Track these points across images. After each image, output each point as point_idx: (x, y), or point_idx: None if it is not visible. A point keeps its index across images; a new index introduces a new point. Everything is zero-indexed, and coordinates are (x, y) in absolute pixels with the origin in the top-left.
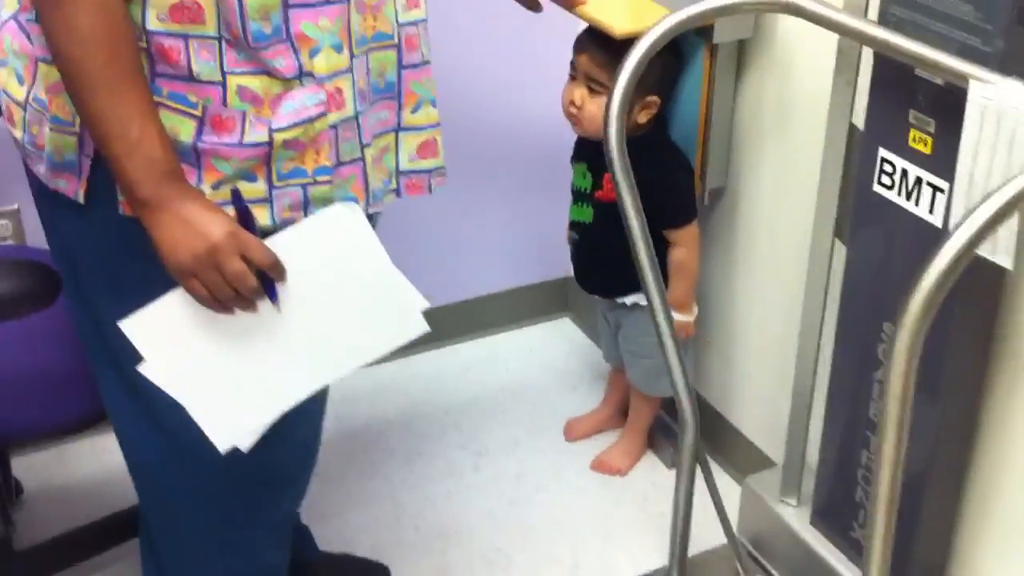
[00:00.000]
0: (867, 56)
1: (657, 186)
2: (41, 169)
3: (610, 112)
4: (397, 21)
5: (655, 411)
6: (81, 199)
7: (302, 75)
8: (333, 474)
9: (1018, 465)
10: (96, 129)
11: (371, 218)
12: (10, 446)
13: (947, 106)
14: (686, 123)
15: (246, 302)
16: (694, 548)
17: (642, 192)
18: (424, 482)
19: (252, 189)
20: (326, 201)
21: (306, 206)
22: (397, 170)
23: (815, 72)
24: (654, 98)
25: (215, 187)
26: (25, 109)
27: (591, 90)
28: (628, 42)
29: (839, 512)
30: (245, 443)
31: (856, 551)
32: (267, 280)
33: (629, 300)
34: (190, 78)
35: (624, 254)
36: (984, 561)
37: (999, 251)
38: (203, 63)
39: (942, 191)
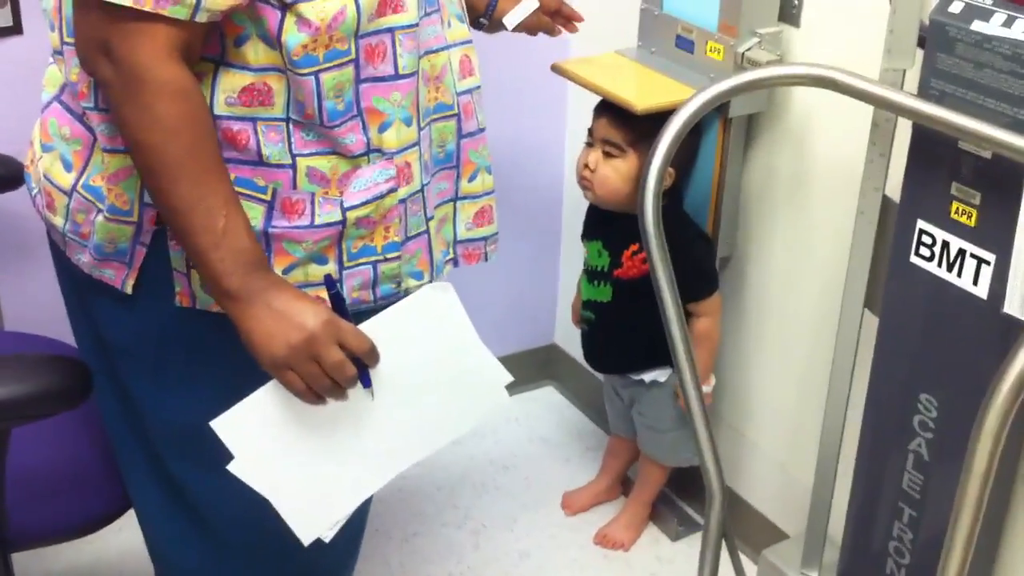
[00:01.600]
0: (900, 128)
1: (680, 259)
2: (84, 258)
3: (648, 183)
4: (455, 91)
5: (662, 483)
6: (129, 289)
7: (370, 151)
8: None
9: None
10: (178, 221)
11: None
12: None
13: (994, 178)
14: (698, 193)
15: (340, 391)
16: None
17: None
18: (425, 564)
19: (322, 271)
20: (394, 278)
21: (375, 285)
22: (455, 239)
23: (830, 144)
24: (670, 170)
25: (286, 271)
26: (70, 196)
27: (606, 154)
28: (649, 117)
29: None
30: (329, 534)
31: None
32: (360, 365)
33: (648, 377)
34: (259, 162)
35: (644, 331)
36: None
37: None
38: (272, 146)
39: (988, 263)
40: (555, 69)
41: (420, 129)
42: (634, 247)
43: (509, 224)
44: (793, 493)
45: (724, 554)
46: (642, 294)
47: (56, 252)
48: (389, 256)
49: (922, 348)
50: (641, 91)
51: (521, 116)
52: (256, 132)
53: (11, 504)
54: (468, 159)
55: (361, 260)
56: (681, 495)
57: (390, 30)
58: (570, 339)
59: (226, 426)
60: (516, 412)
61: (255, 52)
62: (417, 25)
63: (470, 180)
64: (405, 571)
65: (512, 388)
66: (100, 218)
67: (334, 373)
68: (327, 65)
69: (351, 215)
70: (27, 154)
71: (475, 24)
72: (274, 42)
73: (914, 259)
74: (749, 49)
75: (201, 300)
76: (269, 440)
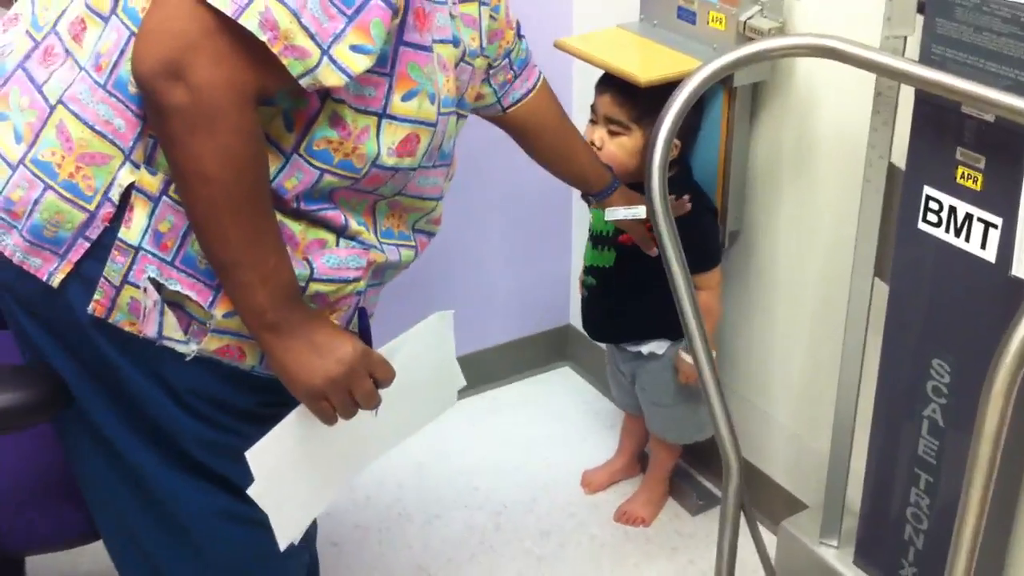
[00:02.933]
0: (903, 95)
1: (686, 231)
2: (9, 240)
3: (654, 157)
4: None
5: (676, 458)
6: (56, 283)
7: (345, 235)
8: (352, 546)
9: None
10: (230, 254)
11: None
12: (24, 553)
13: (998, 142)
14: (705, 167)
15: (356, 412)
16: None
17: None
18: (447, 546)
19: None
20: None
21: None
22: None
23: (835, 113)
24: (676, 142)
25: (226, 316)
26: (14, 169)
27: (611, 132)
28: (650, 93)
29: (885, 551)
30: (298, 537)
31: None
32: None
33: (645, 349)
34: None
35: (645, 299)
36: None
37: None
38: None
39: (995, 227)
40: (558, 46)
41: (380, 245)
42: None
43: (520, 207)
44: (810, 463)
45: (744, 527)
46: (645, 260)
47: None
48: None
49: (933, 314)
50: (644, 64)
51: None
52: None
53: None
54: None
55: None
56: (700, 469)
57: (398, 169)
58: None
59: (258, 455)
60: (534, 394)
61: (269, 122)
62: (414, 169)
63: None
64: (427, 554)
65: (529, 369)
66: (50, 195)
67: (364, 401)
68: (337, 171)
69: (312, 287)
70: None
71: (582, 196)
72: (295, 126)
73: (922, 225)
74: (751, 17)
75: (118, 315)
76: (287, 463)
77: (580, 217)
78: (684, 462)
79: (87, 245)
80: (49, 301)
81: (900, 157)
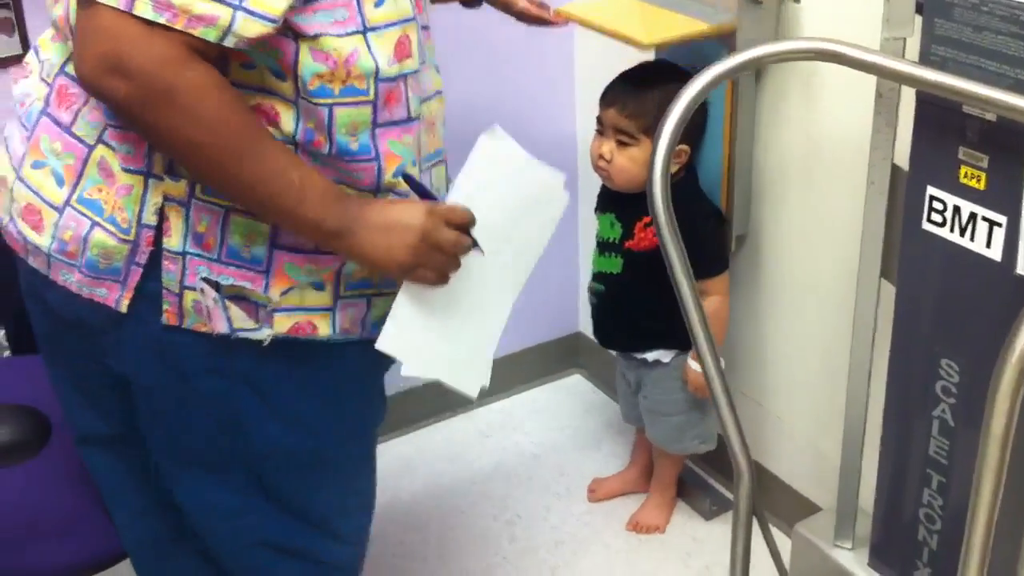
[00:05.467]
0: (904, 95)
1: (693, 236)
2: (73, 277)
3: (656, 166)
4: (441, 135)
5: (681, 465)
6: (124, 308)
7: (380, 191)
8: (367, 558)
9: None
10: (254, 196)
11: None
12: None
13: (1001, 141)
14: (710, 171)
15: (459, 262)
16: None
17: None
18: (462, 557)
19: (319, 298)
20: (383, 318)
21: (366, 319)
22: None
23: (838, 114)
24: (684, 147)
25: (283, 293)
26: (61, 212)
27: (620, 143)
28: (655, 92)
29: (900, 552)
30: (487, 381)
31: None
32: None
33: (651, 356)
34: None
35: (653, 306)
36: None
37: None
38: None
39: (1000, 225)
40: (560, 13)
41: (421, 172)
42: (647, 219)
43: None
44: (823, 466)
45: (757, 531)
46: (652, 267)
47: (32, 290)
48: (384, 291)
49: (940, 314)
50: (647, 27)
51: (535, 109)
52: None
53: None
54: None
55: (357, 292)
56: (712, 474)
57: (403, 76)
58: None
59: (388, 341)
60: (545, 402)
61: (261, 77)
62: (419, 71)
63: None
64: (443, 565)
65: (540, 378)
66: (97, 232)
67: (455, 250)
68: (343, 100)
69: None
70: None
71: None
72: (286, 75)
73: (926, 226)
74: None
75: (189, 319)
76: (421, 332)
77: (586, 224)
78: (697, 467)
79: (140, 270)
80: (122, 325)
81: (903, 158)
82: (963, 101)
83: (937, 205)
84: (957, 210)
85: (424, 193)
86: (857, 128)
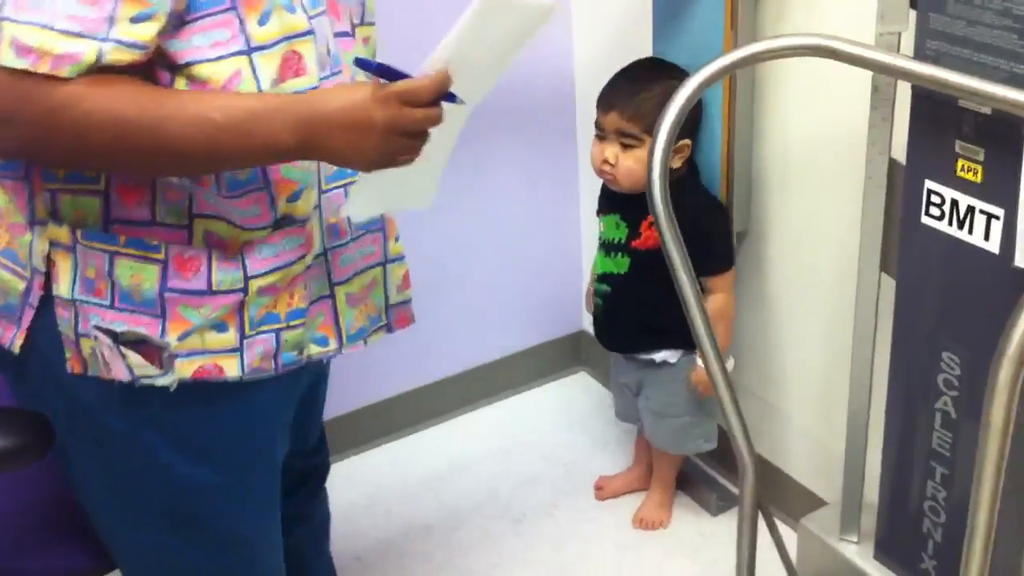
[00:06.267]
0: (901, 90)
1: (697, 232)
2: None
3: (654, 165)
4: None
5: (681, 462)
6: (16, 349)
7: (278, 222)
8: (374, 558)
9: None
10: (194, 158)
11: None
12: None
13: (996, 134)
14: (709, 168)
15: (428, 134)
16: None
17: (689, 237)
18: (467, 556)
19: (222, 339)
20: (297, 346)
21: (277, 354)
22: (387, 304)
23: (836, 109)
24: (686, 141)
25: (181, 338)
26: None
27: (624, 146)
28: (654, 90)
29: (905, 545)
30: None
31: None
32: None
33: (658, 357)
34: (151, 222)
35: (659, 306)
36: None
37: None
38: (169, 205)
39: (997, 218)
40: None
41: (321, 193)
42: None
43: (529, 213)
44: (828, 460)
45: (764, 525)
46: (659, 266)
47: None
48: (293, 324)
49: (940, 307)
50: None
51: (535, 107)
52: (153, 190)
53: None
54: (391, 219)
55: (263, 328)
56: (719, 469)
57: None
58: None
59: (354, 209)
60: (550, 400)
61: None
62: (317, 87)
63: (397, 240)
64: (449, 565)
65: (545, 376)
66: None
67: (425, 127)
68: None
69: (254, 284)
70: None
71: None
72: None
73: (925, 219)
74: None
75: (92, 367)
76: (378, 187)
77: (588, 219)
78: (703, 462)
79: (33, 312)
80: (26, 362)
81: (901, 152)
82: (958, 95)
83: (935, 199)
84: (955, 203)
85: (385, 73)
86: (855, 123)
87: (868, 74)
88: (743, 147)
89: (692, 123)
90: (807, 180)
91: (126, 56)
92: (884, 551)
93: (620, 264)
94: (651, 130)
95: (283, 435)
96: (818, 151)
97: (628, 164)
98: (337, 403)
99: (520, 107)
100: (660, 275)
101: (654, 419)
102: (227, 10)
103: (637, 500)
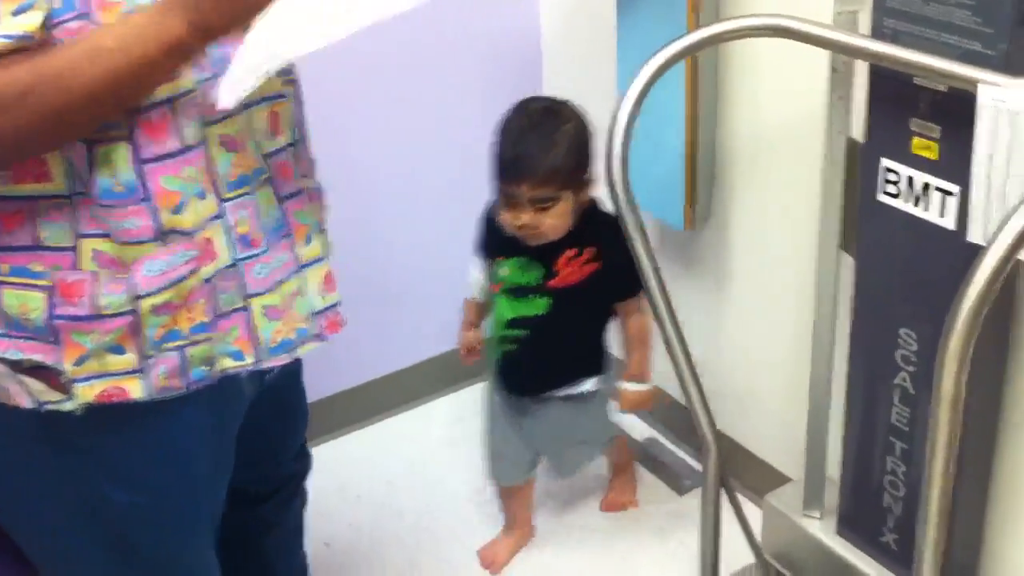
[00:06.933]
0: (858, 69)
1: (613, 257)
2: None
3: (613, 155)
4: (263, 152)
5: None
6: None
7: (163, 234)
8: (344, 544)
9: None
10: (102, 88)
11: (266, 374)
12: None
13: (951, 111)
14: (670, 152)
15: None
16: (720, 572)
17: (605, 265)
18: (440, 544)
19: (122, 362)
20: (206, 360)
21: (184, 371)
22: (314, 311)
23: (798, 88)
24: (591, 173)
25: (77, 363)
26: None
27: (540, 209)
28: (559, 144)
29: (867, 519)
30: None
31: (888, 556)
32: None
33: (587, 386)
34: (35, 247)
35: (584, 336)
36: (1013, 555)
37: None
38: (52, 226)
39: (952, 194)
40: None
41: (222, 201)
42: (570, 252)
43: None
44: (791, 438)
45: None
46: (581, 300)
47: None
48: (197, 339)
49: (898, 284)
50: None
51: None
52: (35, 211)
53: None
54: (297, 222)
55: (167, 346)
56: (687, 449)
57: (168, 100)
58: None
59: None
60: None
61: None
62: (194, 90)
63: (307, 243)
64: (420, 551)
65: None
66: None
67: None
68: (96, 137)
69: (145, 303)
70: None
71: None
72: None
73: (882, 197)
74: None
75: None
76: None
77: None
78: (671, 443)
79: None
80: None
81: (860, 132)
82: (914, 73)
83: (891, 176)
84: (911, 181)
85: None
86: (815, 103)
87: (825, 54)
88: (706, 131)
89: (591, 155)
90: (767, 162)
91: (19, 47)
92: (847, 526)
93: (537, 306)
94: (565, 186)
95: (219, 452)
96: (778, 133)
97: (549, 222)
98: (309, 390)
99: (486, 73)
100: (581, 307)
101: (578, 449)
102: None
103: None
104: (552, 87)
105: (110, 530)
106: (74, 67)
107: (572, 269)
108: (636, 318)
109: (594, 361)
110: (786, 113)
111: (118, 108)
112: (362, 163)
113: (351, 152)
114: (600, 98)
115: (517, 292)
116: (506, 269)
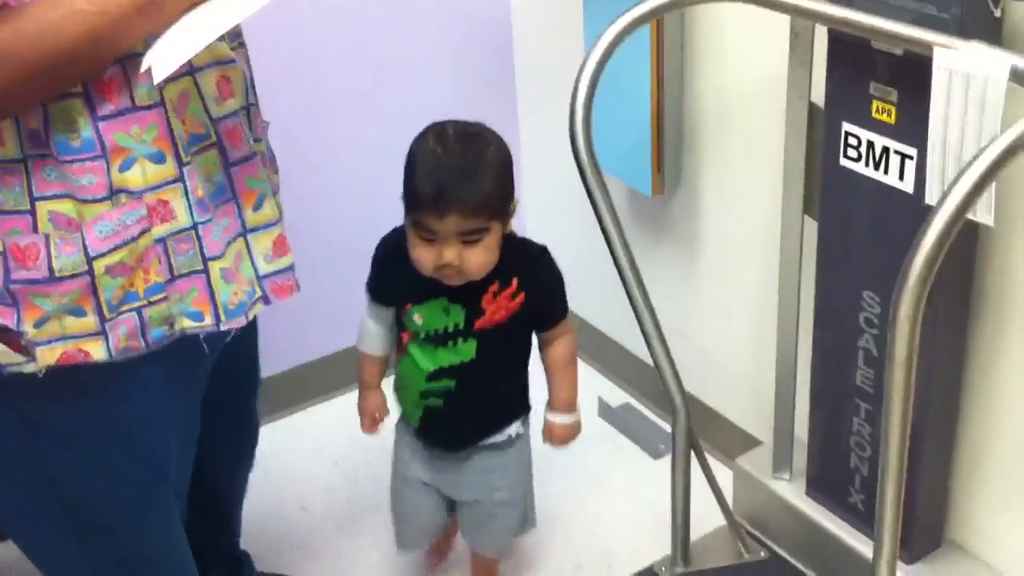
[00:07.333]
0: (819, 34)
1: (547, 281)
2: None
3: (576, 122)
4: (210, 117)
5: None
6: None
7: (113, 193)
8: (319, 508)
9: (1003, 418)
10: (82, 47)
11: (226, 335)
12: None
13: (908, 75)
14: (637, 120)
15: None
16: (692, 533)
17: (535, 292)
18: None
19: (81, 324)
20: (165, 320)
21: (144, 331)
22: (258, 275)
23: (760, 54)
24: (515, 199)
25: (37, 325)
26: None
27: (466, 243)
28: (484, 170)
29: (834, 480)
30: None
31: (855, 516)
32: None
33: (512, 431)
34: None
35: (511, 377)
36: (979, 514)
37: (980, 211)
38: (7, 191)
39: (911, 158)
40: None
41: (183, 165)
42: (493, 287)
43: None
44: (761, 401)
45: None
46: (507, 337)
47: None
48: (153, 299)
49: (860, 247)
50: None
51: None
52: None
53: None
54: (246, 188)
55: (123, 308)
56: (660, 414)
57: (120, 60)
58: None
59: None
60: None
61: None
62: (143, 53)
63: (256, 209)
64: None
65: None
66: None
67: None
68: None
69: (99, 264)
70: None
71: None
72: None
73: (843, 161)
74: None
75: None
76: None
77: (529, 157)
78: (645, 407)
79: None
80: None
81: (822, 97)
82: (871, 36)
83: (852, 141)
84: (871, 145)
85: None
86: (779, 68)
87: (786, 20)
88: (672, 98)
89: (513, 179)
90: (732, 128)
91: None
92: (815, 487)
93: (463, 352)
94: (496, 213)
95: (181, 418)
96: (747, 100)
97: (476, 258)
98: (286, 355)
99: (457, 45)
100: (508, 345)
101: (502, 512)
102: None
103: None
104: (523, 55)
105: (67, 499)
106: (53, 27)
107: (499, 305)
108: (563, 341)
109: (522, 401)
110: (751, 79)
111: (96, 66)
112: (332, 137)
113: (323, 126)
114: (571, 67)
115: (437, 340)
116: (420, 316)
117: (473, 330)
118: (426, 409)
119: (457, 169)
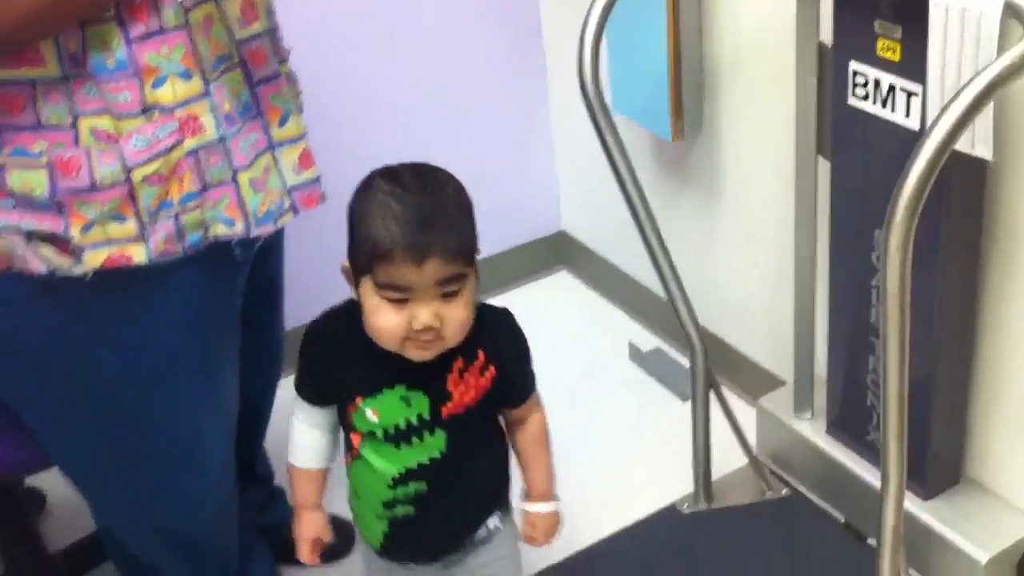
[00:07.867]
0: None
1: (511, 350)
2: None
3: (584, 54)
4: (234, 39)
5: None
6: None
7: (147, 109)
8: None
9: (1019, 355)
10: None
11: (256, 241)
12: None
13: (911, 11)
14: (654, 69)
15: None
16: (717, 472)
17: (504, 365)
18: None
19: (123, 229)
20: (199, 226)
21: (180, 236)
22: (286, 187)
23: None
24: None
25: (84, 231)
26: None
27: (445, 297)
28: (455, 208)
29: (853, 419)
30: None
31: (873, 454)
32: None
33: (492, 523)
34: (37, 126)
35: (487, 466)
36: (998, 451)
37: (978, 143)
38: (52, 107)
39: (916, 95)
40: None
41: (209, 82)
42: (458, 363)
43: (498, 119)
44: (785, 342)
45: (735, 406)
46: (478, 420)
47: None
48: (188, 207)
49: (871, 186)
50: None
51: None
52: (34, 94)
53: None
54: (271, 105)
55: (161, 214)
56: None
57: None
58: (577, 225)
59: None
60: (534, 299)
61: None
62: None
63: (281, 125)
64: None
65: (528, 276)
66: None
67: None
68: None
69: (136, 174)
70: None
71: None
72: None
73: (852, 100)
74: None
75: (15, 263)
76: None
77: (558, 115)
78: (673, 349)
79: None
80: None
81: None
82: None
83: (860, 79)
84: (877, 83)
85: None
86: (790, 8)
87: None
88: (690, 43)
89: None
90: (754, 72)
91: None
92: (836, 426)
93: (431, 446)
94: (471, 257)
95: (217, 324)
96: (762, 42)
97: (457, 315)
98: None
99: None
100: (480, 430)
101: None
102: None
103: (616, 392)
104: (550, 15)
105: (96, 392)
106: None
107: (468, 385)
108: (536, 419)
109: (501, 490)
110: (767, 23)
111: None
112: (362, 119)
113: (347, 85)
114: None
115: (398, 437)
116: (375, 411)
117: (441, 419)
118: (392, 521)
119: (428, 206)
